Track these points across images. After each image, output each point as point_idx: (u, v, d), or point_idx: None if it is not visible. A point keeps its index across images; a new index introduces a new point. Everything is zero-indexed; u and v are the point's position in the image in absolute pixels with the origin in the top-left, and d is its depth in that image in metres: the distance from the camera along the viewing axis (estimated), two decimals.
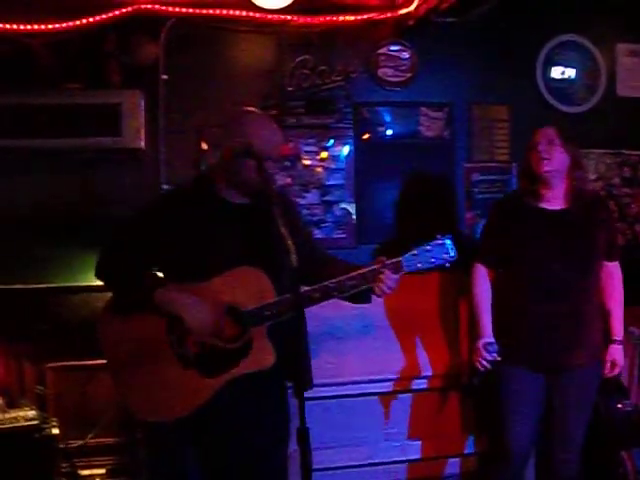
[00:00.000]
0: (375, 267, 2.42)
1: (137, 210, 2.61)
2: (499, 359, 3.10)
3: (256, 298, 2.41)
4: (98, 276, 2.55)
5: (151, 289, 2.39)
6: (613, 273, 3.23)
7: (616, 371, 3.20)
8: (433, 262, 2.39)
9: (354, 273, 2.42)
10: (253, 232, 2.49)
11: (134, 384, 2.47)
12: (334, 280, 2.42)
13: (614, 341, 3.19)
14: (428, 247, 2.39)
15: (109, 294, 2.61)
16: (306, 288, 2.40)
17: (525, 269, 3.07)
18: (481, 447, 3.48)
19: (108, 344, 2.51)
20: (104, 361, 2.55)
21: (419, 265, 2.40)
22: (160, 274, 2.55)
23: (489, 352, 3.10)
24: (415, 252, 2.40)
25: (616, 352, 3.18)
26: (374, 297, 2.51)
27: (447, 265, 2.40)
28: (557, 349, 3.07)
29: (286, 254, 2.18)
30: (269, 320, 2.41)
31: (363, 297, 2.51)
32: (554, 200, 3.13)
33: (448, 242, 2.40)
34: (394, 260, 2.42)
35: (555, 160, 3.06)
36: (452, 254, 2.40)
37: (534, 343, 3.08)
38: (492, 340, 3.13)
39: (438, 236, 2.41)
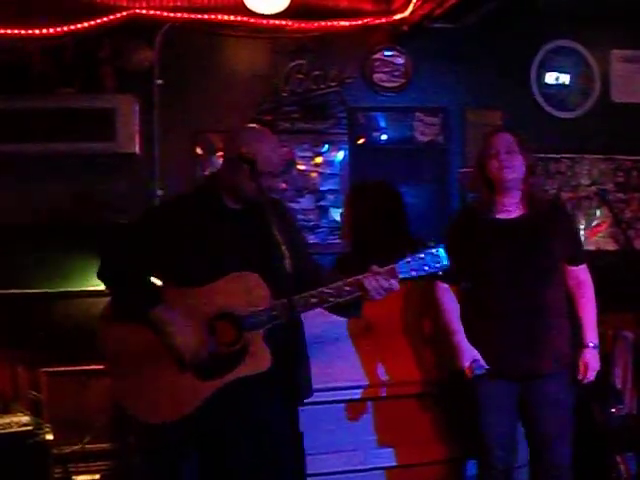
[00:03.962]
0: (370, 274, 2.44)
1: (141, 213, 2.63)
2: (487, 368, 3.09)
3: (253, 303, 2.43)
4: (100, 278, 2.55)
5: (147, 307, 2.42)
6: (581, 279, 3.14)
7: (590, 375, 3.14)
8: (426, 270, 2.44)
9: (350, 279, 2.45)
10: (251, 237, 2.52)
11: (133, 386, 2.46)
12: (331, 286, 2.45)
13: (587, 346, 3.14)
14: (422, 255, 2.43)
15: (104, 300, 2.60)
16: (303, 294, 2.42)
17: (485, 281, 3.04)
18: (456, 454, 3.45)
19: (109, 347, 2.51)
20: (103, 365, 2.54)
21: (413, 273, 2.44)
22: (158, 281, 2.56)
23: (478, 368, 3.06)
24: (409, 260, 2.44)
25: (590, 356, 3.12)
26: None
27: (440, 273, 2.46)
28: (523, 357, 3.02)
29: (281, 260, 2.25)
30: (265, 325, 2.42)
31: (354, 307, 2.55)
32: (510, 208, 3.07)
33: (441, 251, 2.45)
34: (388, 267, 2.44)
35: (516, 168, 3.00)
36: (444, 262, 2.45)
37: (501, 354, 3.05)
38: (478, 357, 3.08)
39: (431, 244, 2.45)
